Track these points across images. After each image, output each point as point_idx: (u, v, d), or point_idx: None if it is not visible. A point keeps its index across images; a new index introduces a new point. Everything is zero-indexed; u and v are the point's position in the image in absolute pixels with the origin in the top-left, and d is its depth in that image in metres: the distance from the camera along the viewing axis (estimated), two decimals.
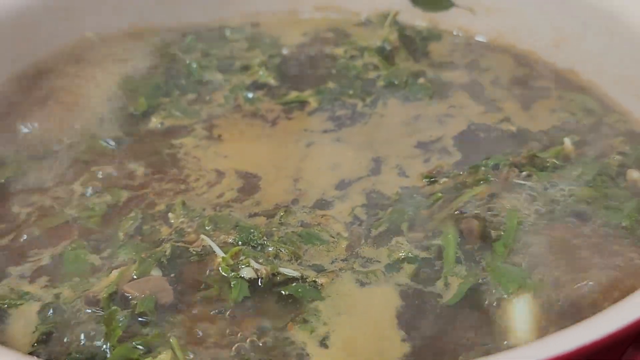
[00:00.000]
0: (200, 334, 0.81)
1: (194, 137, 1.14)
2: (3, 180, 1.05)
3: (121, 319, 0.80)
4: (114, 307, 0.81)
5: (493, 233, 0.91)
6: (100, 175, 1.06)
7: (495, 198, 0.96)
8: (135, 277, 0.86)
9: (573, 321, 0.72)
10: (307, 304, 0.84)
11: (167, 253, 0.89)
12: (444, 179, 1.02)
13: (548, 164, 1.03)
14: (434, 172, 1.05)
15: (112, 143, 1.13)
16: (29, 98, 1.17)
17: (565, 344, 0.64)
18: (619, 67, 1.19)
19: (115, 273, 0.87)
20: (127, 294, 0.84)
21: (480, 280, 0.86)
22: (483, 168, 1.02)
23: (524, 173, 1.00)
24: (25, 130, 1.12)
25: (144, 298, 0.83)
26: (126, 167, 1.08)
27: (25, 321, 0.84)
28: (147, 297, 0.83)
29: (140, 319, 0.82)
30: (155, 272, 0.87)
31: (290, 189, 1.04)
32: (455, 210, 0.95)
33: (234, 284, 0.85)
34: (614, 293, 0.81)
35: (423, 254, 0.91)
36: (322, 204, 1.00)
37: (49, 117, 1.13)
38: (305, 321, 0.82)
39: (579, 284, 0.82)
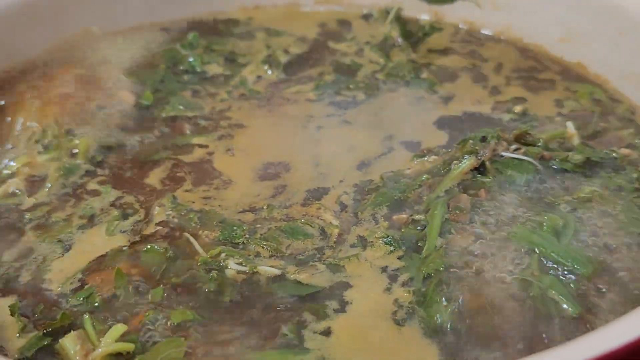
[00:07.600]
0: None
1: (204, 129, 1.13)
2: None
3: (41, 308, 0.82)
4: (15, 301, 0.82)
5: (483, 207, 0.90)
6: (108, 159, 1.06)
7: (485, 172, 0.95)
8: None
9: None
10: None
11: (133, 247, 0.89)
12: (433, 157, 1.01)
13: (540, 144, 0.99)
14: (424, 152, 1.04)
15: (124, 132, 1.12)
16: (31, 87, 1.17)
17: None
18: (628, 63, 1.17)
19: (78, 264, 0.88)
20: (86, 283, 0.86)
21: None
22: (471, 141, 0.99)
23: (513, 146, 0.98)
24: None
25: (86, 289, 0.84)
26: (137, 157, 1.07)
27: None
28: (87, 288, 0.84)
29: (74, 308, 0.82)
30: (122, 265, 0.86)
31: (313, 174, 1.02)
32: (445, 190, 0.93)
33: (224, 286, 0.83)
34: None
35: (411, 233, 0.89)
36: (350, 187, 0.99)
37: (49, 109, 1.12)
38: None
39: None
